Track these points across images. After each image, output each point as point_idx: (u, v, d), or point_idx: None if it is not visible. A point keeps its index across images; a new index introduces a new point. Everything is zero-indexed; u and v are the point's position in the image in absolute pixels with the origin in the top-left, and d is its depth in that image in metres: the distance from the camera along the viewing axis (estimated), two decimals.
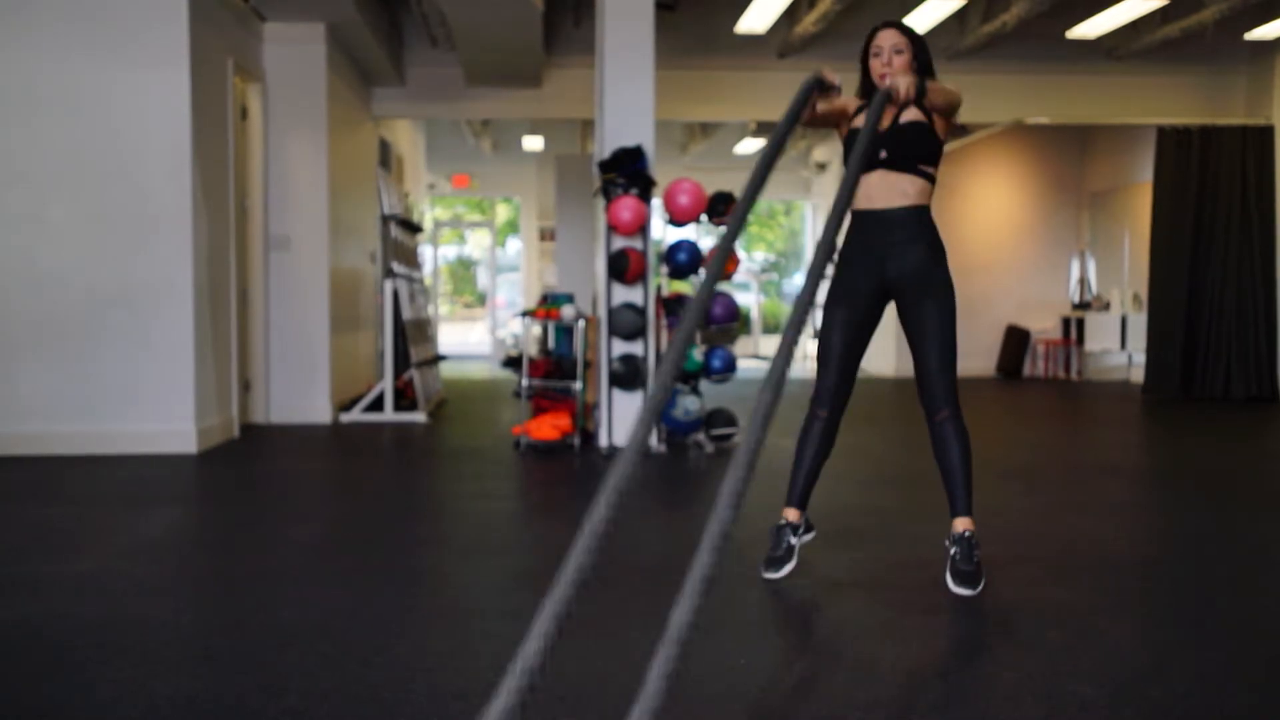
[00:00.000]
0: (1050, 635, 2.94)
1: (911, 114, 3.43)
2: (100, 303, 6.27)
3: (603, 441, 6.52)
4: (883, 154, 3.42)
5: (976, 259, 12.76)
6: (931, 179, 3.47)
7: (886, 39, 3.46)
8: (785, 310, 21.84)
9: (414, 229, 10.30)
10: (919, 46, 3.47)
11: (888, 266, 3.44)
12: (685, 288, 7.14)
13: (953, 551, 3.38)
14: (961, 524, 3.40)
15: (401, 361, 8.51)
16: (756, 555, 3.77)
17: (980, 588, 3.33)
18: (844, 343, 3.50)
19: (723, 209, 6.61)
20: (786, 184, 17.44)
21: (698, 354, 6.55)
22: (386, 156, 10.74)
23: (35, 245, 6.25)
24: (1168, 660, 2.77)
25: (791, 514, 3.57)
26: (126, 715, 2.36)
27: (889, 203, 3.43)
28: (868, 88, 3.53)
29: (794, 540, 3.55)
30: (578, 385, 6.72)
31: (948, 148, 3.60)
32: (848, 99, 3.56)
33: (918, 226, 3.42)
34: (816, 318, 3.89)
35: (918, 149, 3.42)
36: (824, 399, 3.53)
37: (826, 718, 2.36)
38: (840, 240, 3.55)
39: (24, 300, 6.23)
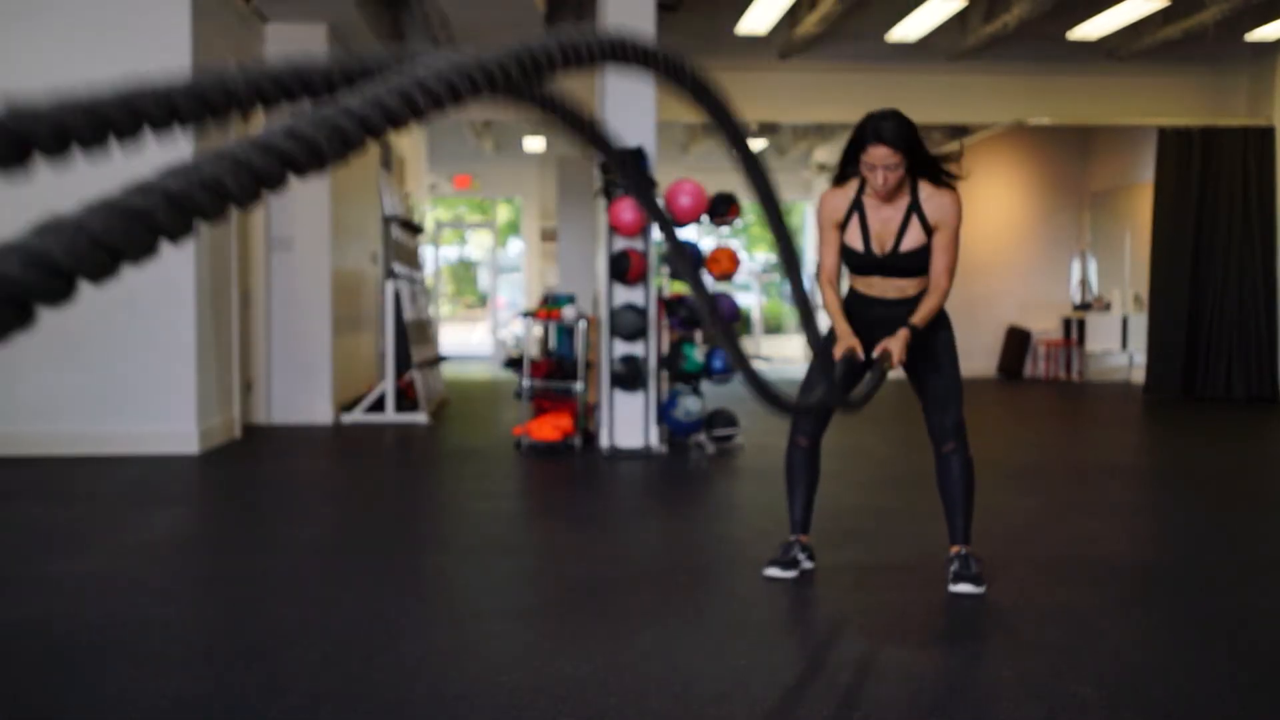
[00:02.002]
0: (1050, 635, 2.95)
1: (912, 240, 3.37)
2: (102, 304, 6.26)
3: (604, 442, 6.52)
4: (881, 268, 3.44)
5: (978, 259, 12.76)
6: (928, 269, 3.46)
7: (879, 158, 3.26)
8: (786, 311, 21.85)
9: (415, 230, 10.31)
10: (911, 143, 3.28)
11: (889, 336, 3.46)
12: (687, 289, 7.14)
13: (953, 565, 3.42)
14: (959, 548, 3.46)
15: (403, 362, 8.52)
16: (757, 554, 3.78)
17: (983, 588, 3.34)
18: (830, 380, 3.55)
19: (724, 210, 6.61)
20: (787, 185, 17.43)
21: (698, 355, 6.56)
22: (388, 157, 10.74)
23: None
24: (1168, 661, 2.77)
25: (802, 537, 3.65)
26: (128, 715, 2.36)
27: (888, 295, 3.47)
28: (850, 173, 3.40)
29: (801, 557, 3.61)
30: (579, 386, 6.72)
31: (948, 148, 3.55)
32: (834, 208, 3.44)
33: (918, 302, 3.44)
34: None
35: (917, 266, 3.42)
36: (804, 427, 3.60)
37: (827, 718, 2.36)
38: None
39: None
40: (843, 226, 3.44)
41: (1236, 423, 8.52)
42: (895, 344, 3.33)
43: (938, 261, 3.38)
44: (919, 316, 3.38)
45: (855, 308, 3.52)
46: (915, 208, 3.35)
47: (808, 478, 3.62)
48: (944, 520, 3.52)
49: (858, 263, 3.45)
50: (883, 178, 3.29)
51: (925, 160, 3.34)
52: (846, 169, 3.42)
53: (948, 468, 3.46)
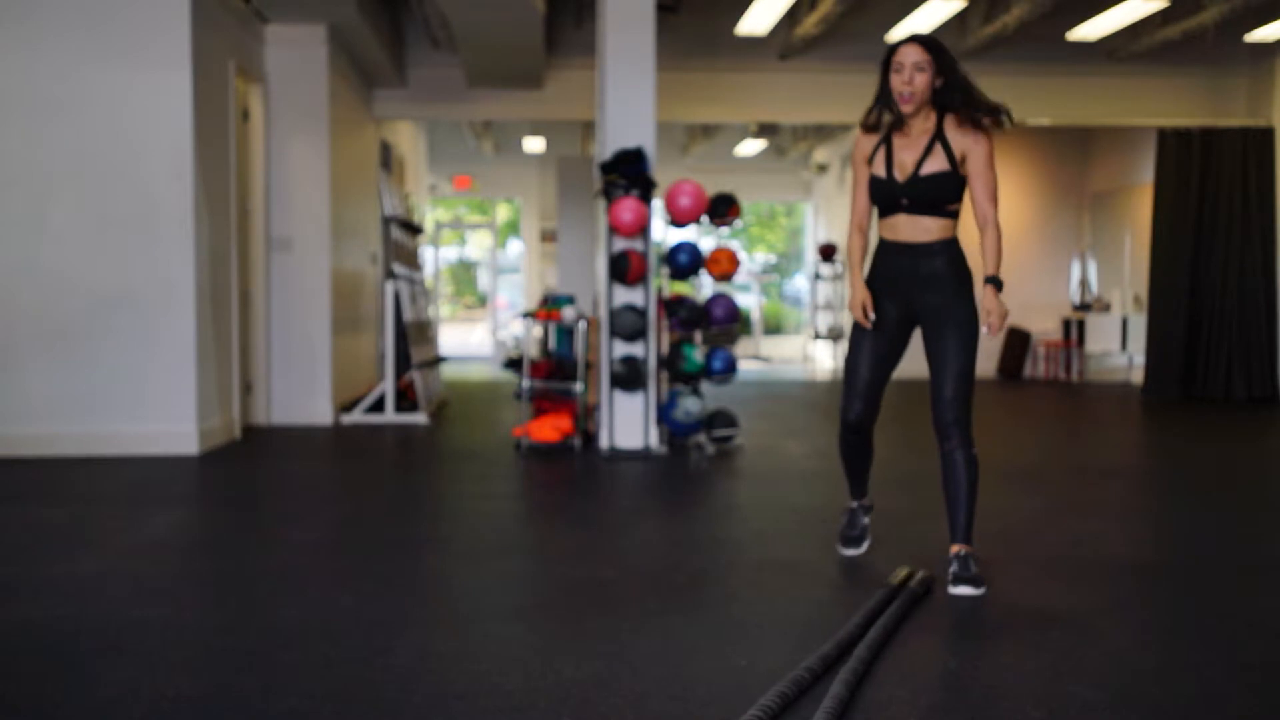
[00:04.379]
0: (1051, 636, 2.95)
1: (934, 165, 3.42)
2: (103, 304, 6.27)
3: (604, 443, 6.52)
4: (904, 202, 3.45)
5: (978, 260, 12.75)
6: (956, 214, 3.51)
7: (908, 55, 3.39)
8: (786, 311, 21.86)
9: (415, 230, 10.31)
10: (943, 59, 3.41)
11: (914, 297, 3.50)
12: (686, 289, 7.14)
13: (953, 566, 3.41)
14: (959, 548, 3.45)
15: (403, 363, 8.52)
16: (756, 555, 3.78)
17: (983, 590, 3.34)
18: (870, 369, 3.60)
19: (724, 210, 6.61)
20: (787, 185, 17.43)
21: (698, 355, 6.56)
22: (388, 158, 10.75)
23: (39, 246, 6.25)
24: (1169, 662, 2.77)
25: (862, 500, 3.83)
26: (129, 715, 2.37)
27: (914, 238, 3.49)
28: (885, 99, 3.46)
29: (866, 520, 3.83)
30: (579, 387, 6.72)
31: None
32: (865, 145, 3.54)
33: (943, 257, 3.47)
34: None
35: (939, 196, 3.44)
36: (851, 422, 3.67)
37: None
38: (867, 266, 3.63)
39: (27, 301, 6.24)
40: (871, 160, 3.53)
41: (1236, 423, 8.52)
42: (992, 307, 3.39)
43: (977, 187, 3.43)
44: (992, 266, 3.45)
45: (882, 259, 3.54)
46: (939, 136, 3.43)
47: (862, 457, 3.78)
48: (943, 520, 3.52)
49: (881, 194, 3.49)
50: (909, 76, 3.37)
51: (960, 86, 3.41)
52: (881, 102, 3.47)
53: (952, 465, 3.46)
